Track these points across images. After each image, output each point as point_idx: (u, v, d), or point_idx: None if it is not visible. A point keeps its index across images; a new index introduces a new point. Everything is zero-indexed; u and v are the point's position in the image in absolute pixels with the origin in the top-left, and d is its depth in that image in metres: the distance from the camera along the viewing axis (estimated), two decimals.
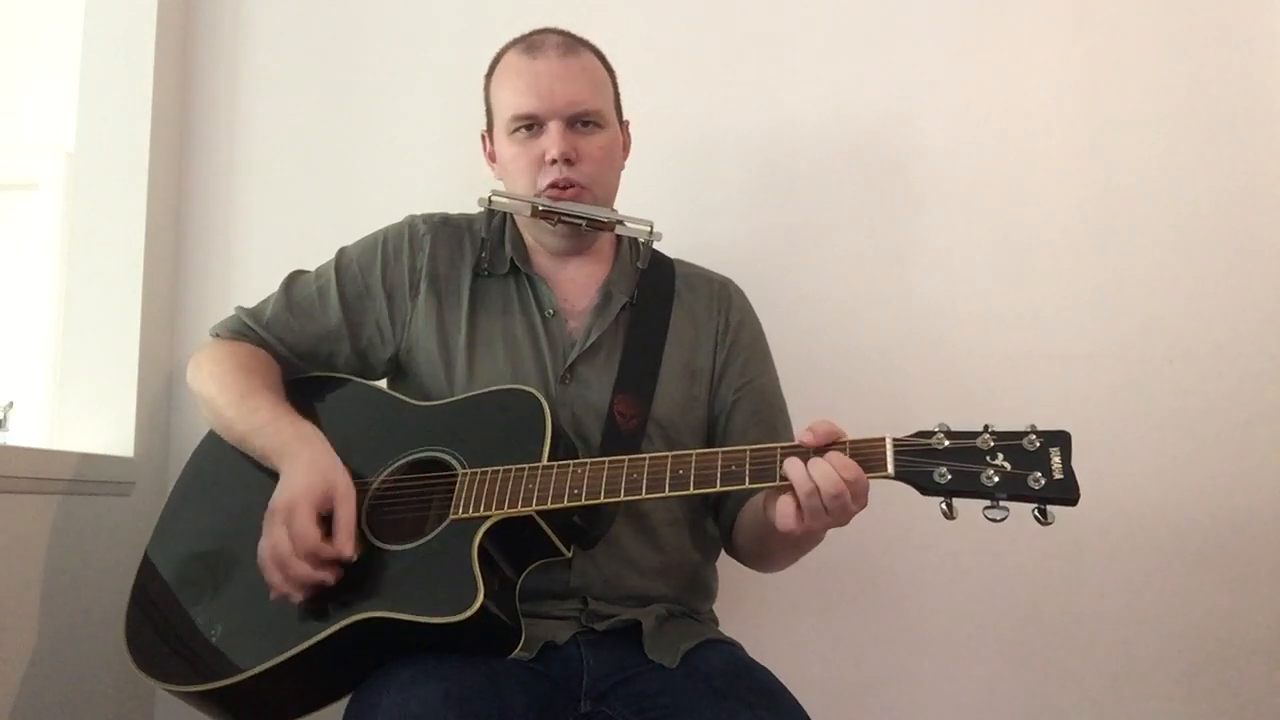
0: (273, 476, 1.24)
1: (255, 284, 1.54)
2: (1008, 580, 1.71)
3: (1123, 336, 1.73)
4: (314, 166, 1.90)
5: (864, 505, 1.10)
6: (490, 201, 1.36)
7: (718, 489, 1.13)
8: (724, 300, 1.47)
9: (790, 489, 1.08)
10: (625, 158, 1.46)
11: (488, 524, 1.16)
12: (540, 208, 1.34)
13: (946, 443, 1.07)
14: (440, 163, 1.85)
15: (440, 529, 1.18)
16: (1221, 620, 1.67)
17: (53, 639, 1.51)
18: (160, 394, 1.82)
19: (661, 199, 1.58)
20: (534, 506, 1.16)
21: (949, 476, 1.05)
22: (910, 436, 1.09)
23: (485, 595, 1.10)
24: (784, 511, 1.09)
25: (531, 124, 1.35)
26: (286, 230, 1.88)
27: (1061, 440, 1.05)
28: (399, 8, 1.92)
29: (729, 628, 1.42)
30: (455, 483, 1.21)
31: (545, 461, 1.19)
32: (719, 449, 1.15)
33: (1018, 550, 1.69)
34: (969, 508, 1.05)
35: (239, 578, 1.24)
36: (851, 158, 1.81)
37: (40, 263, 2.68)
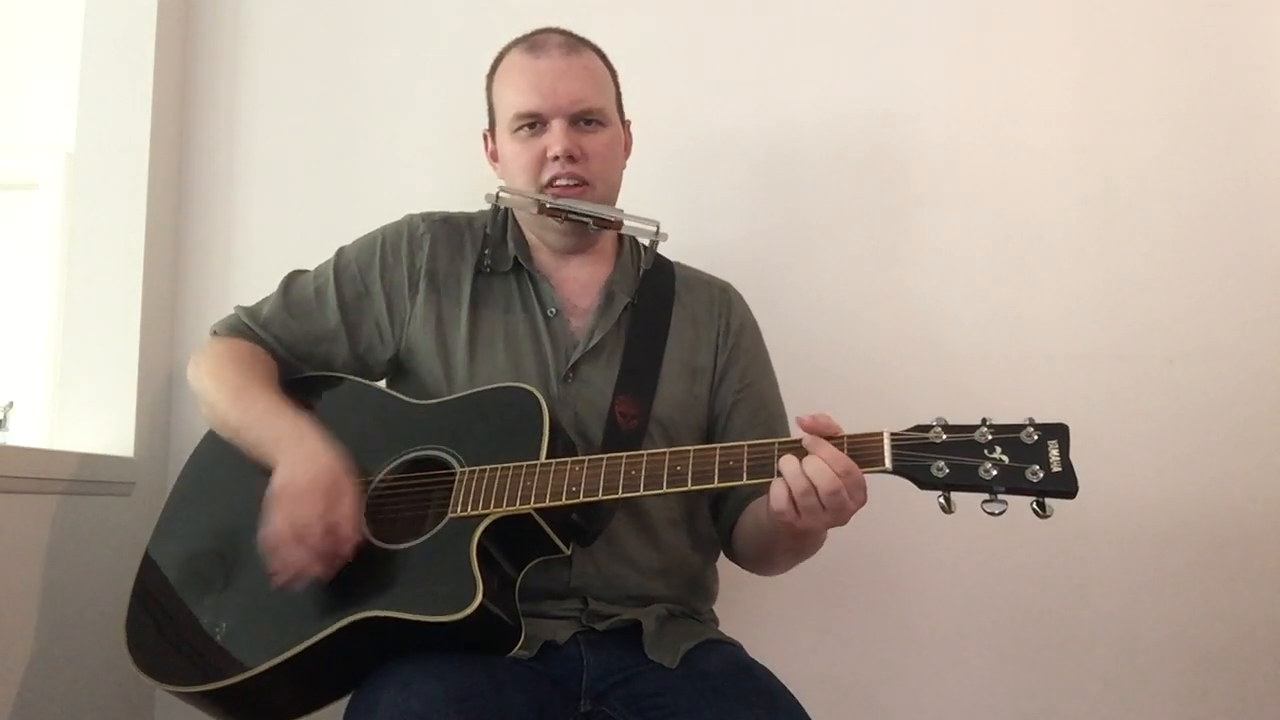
0: (271, 474, 1.24)
1: (255, 284, 1.54)
2: (1008, 580, 1.71)
3: (1123, 336, 1.73)
4: (314, 166, 1.90)
5: (862, 502, 1.10)
6: (499, 197, 1.35)
7: (715, 485, 1.13)
8: (725, 304, 1.48)
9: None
10: (627, 157, 1.46)
11: (486, 522, 1.16)
12: (548, 205, 1.34)
13: (944, 436, 1.07)
14: (440, 163, 1.85)
15: (439, 527, 1.18)
16: (1221, 620, 1.67)
17: (52, 639, 1.51)
18: (160, 394, 1.82)
19: (662, 199, 1.57)
20: (532, 504, 1.16)
21: (947, 470, 1.05)
22: (908, 431, 1.09)
23: (484, 594, 1.10)
24: (778, 493, 1.09)
25: (534, 122, 1.35)
26: (286, 230, 1.88)
27: (1059, 433, 1.04)
28: (399, 8, 1.92)
29: (729, 628, 1.42)
30: (454, 481, 1.21)
31: (544, 459, 1.19)
32: (716, 445, 1.15)
33: (1018, 550, 1.69)
34: (967, 502, 1.05)
35: (240, 576, 1.24)
36: (851, 158, 1.81)
37: (40, 263, 2.67)
